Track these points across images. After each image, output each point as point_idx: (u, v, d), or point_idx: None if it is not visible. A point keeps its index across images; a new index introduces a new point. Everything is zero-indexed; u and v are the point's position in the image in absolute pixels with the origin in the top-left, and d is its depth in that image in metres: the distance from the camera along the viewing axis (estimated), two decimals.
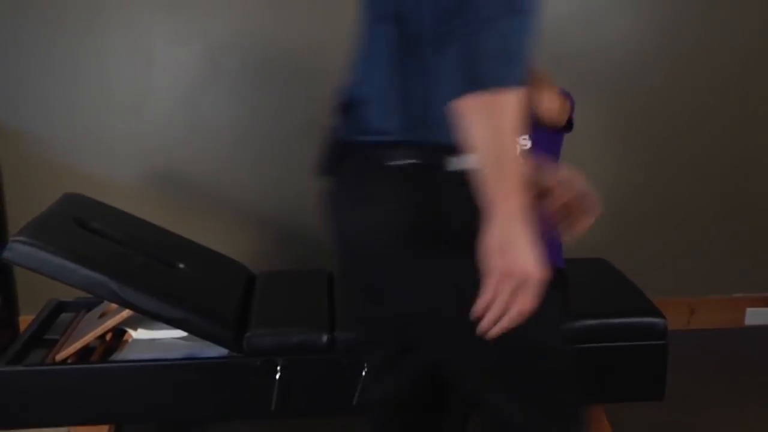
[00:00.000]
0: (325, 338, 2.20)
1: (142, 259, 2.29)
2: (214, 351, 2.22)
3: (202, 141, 2.99)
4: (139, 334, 2.34)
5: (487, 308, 1.20)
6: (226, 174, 3.01)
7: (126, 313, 2.25)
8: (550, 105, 1.97)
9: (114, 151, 2.96)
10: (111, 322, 2.28)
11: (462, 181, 1.24)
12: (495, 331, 1.21)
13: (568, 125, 2.16)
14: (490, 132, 1.16)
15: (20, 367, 2.17)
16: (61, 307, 2.56)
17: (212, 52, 2.92)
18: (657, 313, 2.28)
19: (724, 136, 3.09)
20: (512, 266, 1.17)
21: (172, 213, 2.96)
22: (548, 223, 1.44)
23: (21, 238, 2.11)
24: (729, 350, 3.00)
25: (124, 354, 2.26)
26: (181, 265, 2.40)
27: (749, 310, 3.23)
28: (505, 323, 1.20)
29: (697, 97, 3.04)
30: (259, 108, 2.99)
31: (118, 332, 2.37)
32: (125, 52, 2.90)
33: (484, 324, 1.21)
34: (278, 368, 2.16)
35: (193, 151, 2.99)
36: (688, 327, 3.20)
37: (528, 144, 2.14)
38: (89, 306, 2.52)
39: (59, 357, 2.23)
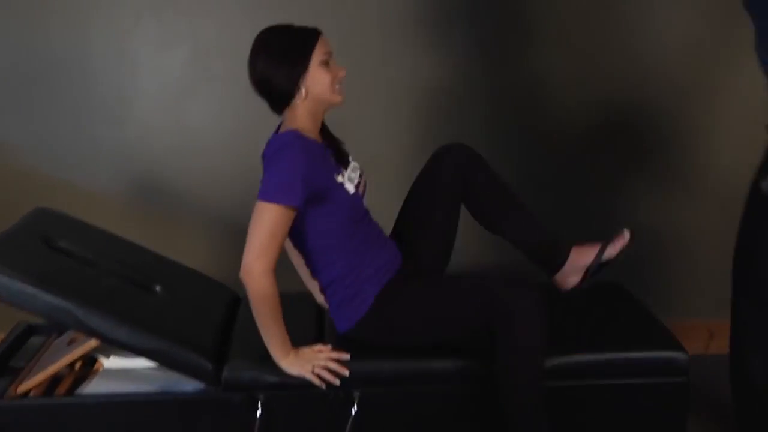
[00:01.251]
0: None
1: (113, 282, 2.11)
2: (191, 384, 2.04)
3: (190, 150, 2.83)
4: (111, 362, 2.17)
5: None
6: (216, 186, 2.85)
7: (95, 341, 2.07)
8: None
9: (96, 161, 2.80)
10: (78, 351, 2.09)
11: None
12: None
13: None
14: None
15: None
16: (30, 330, 2.38)
17: (200, 55, 2.77)
18: (677, 346, 2.09)
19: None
20: None
21: (156, 228, 2.81)
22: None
23: None
24: None
25: (94, 385, 2.08)
26: (158, 288, 2.22)
27: None
28: None
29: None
30: (252, 114, 2.73)
31: (89, 360, 2.19)
32: (108, 56, 2.74)
33: None
34: (259, 404, 1.98)
35: (180, 161, 2.83)
36: (707, 352, 2.99)
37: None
38: (62, 330, 2.34)
39: (21, 389, 2.04)
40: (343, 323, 2.07)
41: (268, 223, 1.88)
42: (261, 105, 2.82)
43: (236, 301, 2.39)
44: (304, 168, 1.90)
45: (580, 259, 2.09)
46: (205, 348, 2.03)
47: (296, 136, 1.94)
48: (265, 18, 2.69)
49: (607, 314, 2.25)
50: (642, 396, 2.06)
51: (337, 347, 2.02)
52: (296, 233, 2.01)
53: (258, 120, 2.81)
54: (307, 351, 1.99)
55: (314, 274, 2.11)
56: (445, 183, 2.11)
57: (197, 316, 2.18)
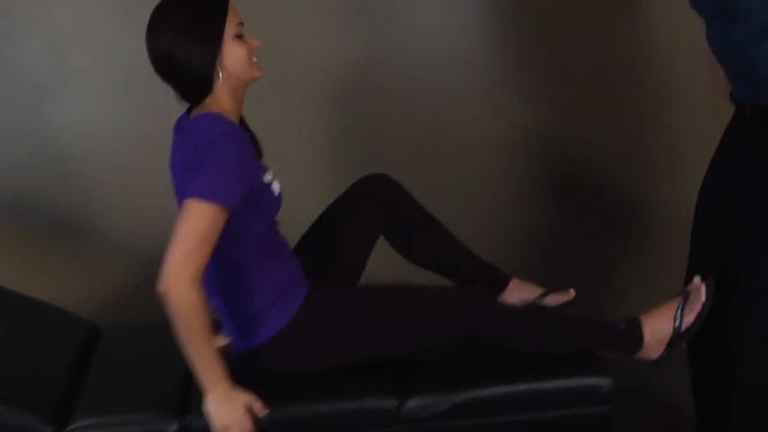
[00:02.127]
0: (174, 426, 1.72)
1: None
2: None
3: (50, 157, 2.54)
4: None
5: None
6: (79, 198, 2.56)
7: None
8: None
9: None
10: None
11: None
12: None
13: None
14: None
15: None
16: None
17: (56, 48, 2.49)
18: (600, 370, 1.84)
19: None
20: None
21: (6, 254, 2.51)
22: None
23: None
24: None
25: None
26: None
27: None
28: None
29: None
30: (119, 115, 2.54)
31: None
32: None
33: None
34: None
35: (38, 170, 2.54)
36: None
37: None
38: None
39: None
40: (251, 339, 1.78)
41: (202, 225, 1.62)
42: (132, 101, 2.54)
43: (95, 336, 2.08)
44: (243, 163, 1.71)
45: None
46: (42, 405, 1.74)
47: (228, 123, 1.73)
48: (131, 3, 2.43)
49: None
50: (562, 430, 1.84)
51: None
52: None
53: (130, 119, 2.55)
54: (245, 397, 1.66)
55: (222, 286, 1.80)
56: (367, 217, 2.03)
57: (38, 362, 1.88)
